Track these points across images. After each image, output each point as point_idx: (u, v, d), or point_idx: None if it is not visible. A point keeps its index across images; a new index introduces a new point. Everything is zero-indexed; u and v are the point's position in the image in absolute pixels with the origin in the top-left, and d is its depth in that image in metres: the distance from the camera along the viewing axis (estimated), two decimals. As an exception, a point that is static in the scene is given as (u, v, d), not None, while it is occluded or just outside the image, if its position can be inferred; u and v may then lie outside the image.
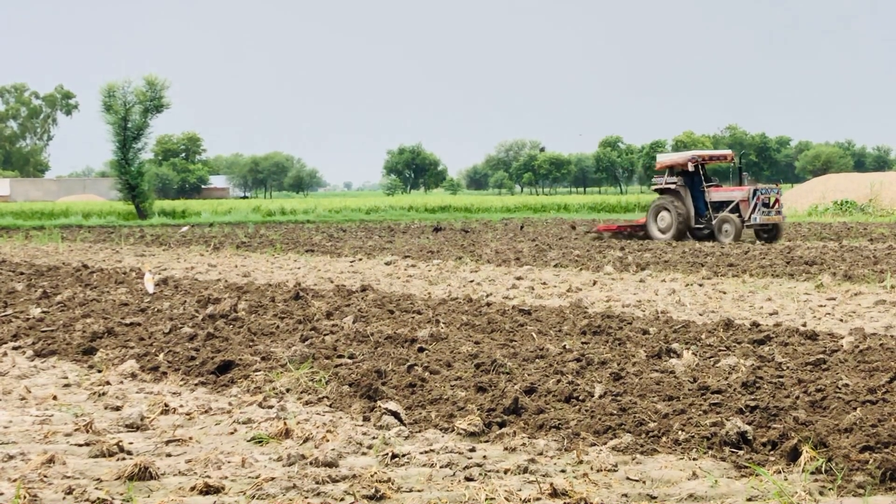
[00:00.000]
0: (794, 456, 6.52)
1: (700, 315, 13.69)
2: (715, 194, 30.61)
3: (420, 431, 7.59)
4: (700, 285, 17.41)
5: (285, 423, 7.62)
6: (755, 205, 29.30)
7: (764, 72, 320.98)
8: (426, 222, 49.84)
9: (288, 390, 8.96)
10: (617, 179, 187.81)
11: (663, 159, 32.49)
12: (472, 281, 18.87)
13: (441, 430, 7.61)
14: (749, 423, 7.15)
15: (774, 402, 7.72)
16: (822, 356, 9.63)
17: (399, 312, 13.64)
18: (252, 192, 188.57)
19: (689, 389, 8.34)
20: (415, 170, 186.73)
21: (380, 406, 7.98)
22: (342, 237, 35.22)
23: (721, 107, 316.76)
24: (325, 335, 11.51)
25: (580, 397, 8.20)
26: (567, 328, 12.00)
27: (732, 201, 29.96)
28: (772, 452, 6.70)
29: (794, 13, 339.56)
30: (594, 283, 18.10)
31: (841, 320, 13.03)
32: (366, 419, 7.94)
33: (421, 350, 10.58)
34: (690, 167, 30.82)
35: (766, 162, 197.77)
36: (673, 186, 30.92)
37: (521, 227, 40.63)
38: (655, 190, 32.19)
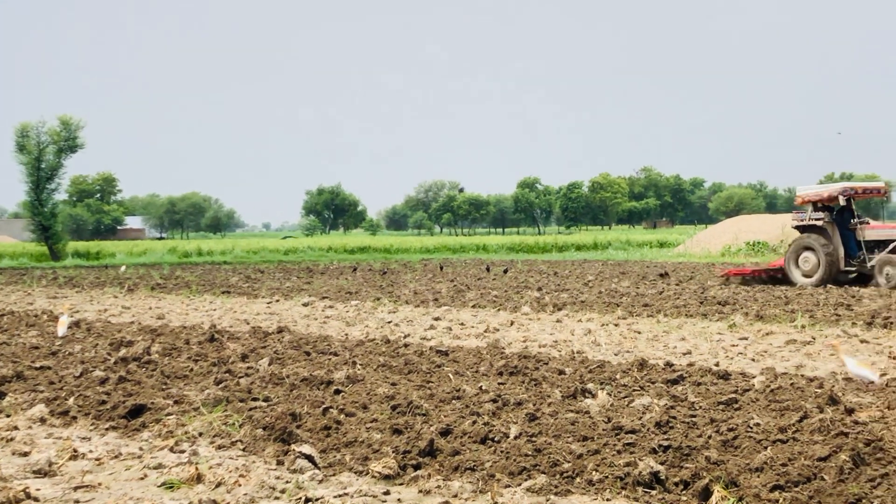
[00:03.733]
0: (705, 495, 6.58)
1: (615, 355, 13.79)
2: (871, 232, 26.22)
3: (335, 475, 7.53)
4: (616, 325, 17.54)
5: (197, 468, 7.51)
6: None
7: (678, 114, 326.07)
8: (345, 263, 49.71)
9: (200, 434, 8.84)
10: (535, 220, 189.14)
11: (806, 193, 27.54)
12: (390, 322, 18.83)
13: (356, 473, 7.55)
14: (662, 464, 7.20)
15: (687, 441, 7.79)
16: (734, 396, 9.74)
17: (316, 354, 13.57)
18: (168, 233, 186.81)
19: (603, 430, 8.38)
20: (334, 210, 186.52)
21: (294, 449, 7.90)
22: (259, 278, 34.96)
23: (637, 149, 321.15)
24: (239, 378, 11.40)
25: (496, 438, 8.20)
26: (484, 369, 12.02)
27: (894, 240, 25.73)
28: (684, 492, 6.75)
29: (707, 57, 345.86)
30: (511, 323, 18.15)
31: (753, 360, 13.20)
32: (279, 463, 7.86)
33: (337, 392, 10.52)
34: (842, 201, 26.48)
35: (681, 203, 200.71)
36: (820, 223, 26.76)
37: (441, 268, 40.70)
38: (797, 227, 27.62)
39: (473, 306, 21.66)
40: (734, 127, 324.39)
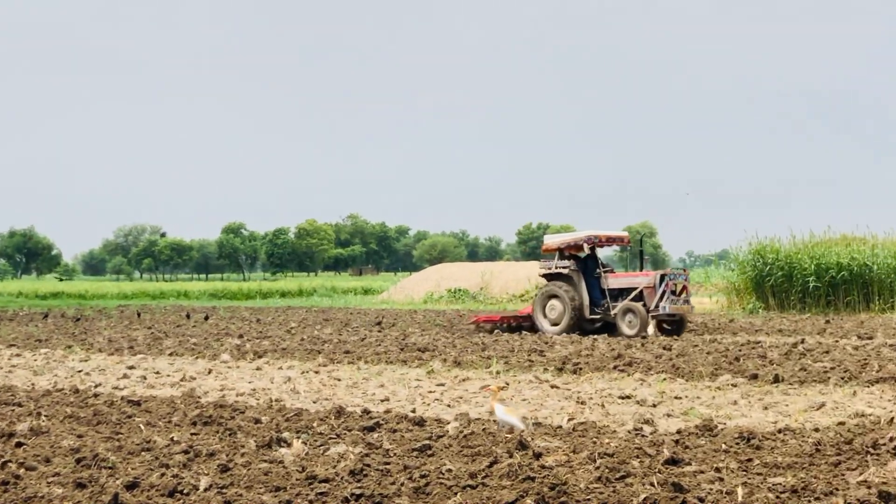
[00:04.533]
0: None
1: (314, 403, 13.71)
2: (614, 280, 26.54)
3: (9, 534, 7.09)
4: (316, 372, 17.47)
5: None
6: (663, 292, 25.49)
7: (384, 161, 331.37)
8: (36, 309, 47.55)
9: None
10: (240, 266, 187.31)
11: (552, 241, 27.63)
12: (80, 371, 18.09)
13: (32, 532, 7.13)
14: (353, 512, 7.16)
15: (380, 489, 7.79)
16: (428, 442, 9.84)
17: (-3, 405, 12.83)
18: None
19: (297, 479, 8.27)
20: (27, 254, 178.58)
21: (-36, 508, 7.40)
22: (-58, 325, 32.92)
23: (343, 195, 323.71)
24: None
25: (185, 491, 7.94)
26: (177, 419, 11.69)
27: (636, 288, 25.98)
28: (374, 541, 6.72)
29: (411, 107, 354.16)
30: (209, 371, 17.79)
31: (448, 406, 13.42)
32: (-52, 523, 7.33)
33: (18, 445, 9.96)
34: (587, 249, 26.95)
35: (387, 250, 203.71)
36: (566, 271, 26.79)
37: (138, 315, 39.53)
38: (544, 276, 27.62)
39: (171, 354, 21.12)
40: (437, 176, 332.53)
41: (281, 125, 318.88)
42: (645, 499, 7.22)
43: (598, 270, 26.71)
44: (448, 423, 11.24)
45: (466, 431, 10.45)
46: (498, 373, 16.93)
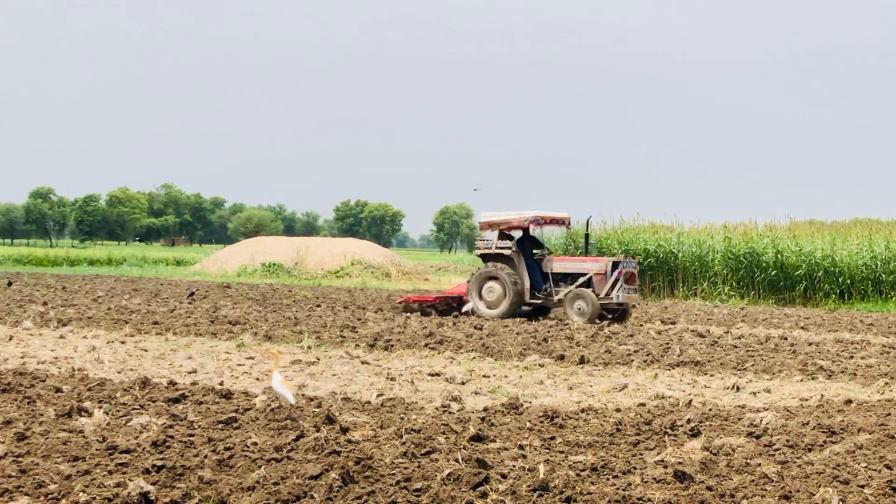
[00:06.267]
0: (195, 516, 6.48)
1: (118, 373, 13.39)
2: (559, 264, 25.03)
3: None
4: (122, 343, 17.07)
5: None
6: (615, 280, 24.18)
7: (201, 131, 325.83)
8: None
9: None
10: (47, 232, 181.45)
11: (490, 218, 25.59)
12: None
13: None
14: (153, 484, 7.01)
15: (182, 461, 7.65)
16: (234, 415, 9.73)
17: None
18: None
19: (96, 449, 8.07)
20: None
21: None
22: None
23: (157, 164, 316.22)
24: None
25: (-23, 460, 7.65)
26: (-28, 386, 11.25)
27: (584, 274, 24.49)
28: (174, 513, 6.61)
29: (235, 77, 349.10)
30: (10, 338, 17.18)
31: (257, 379, 13.29)
32: None
33: None
34: (532, 230, 25.60)
35: (201, 222, 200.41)
36: (508, 252, 24.98)
37: (-64, 278, 37.90)
38: (481, 256, 25.64)
39: (-31, 319, 20.31)
40: (255, 149, 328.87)
41: (96, 87, 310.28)
42: (449, 474, 7.29)
43: (540, 252, 25.49)
44: (256, 397, 11.14)
45: (274, 405, 10.37)
46: (309, 347, 16.85)
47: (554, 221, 25.90)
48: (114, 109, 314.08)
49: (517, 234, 25.69)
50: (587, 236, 27.60)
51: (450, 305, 26.03)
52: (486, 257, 25.44)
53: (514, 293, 24.48)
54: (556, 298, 24.63)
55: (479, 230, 26.34)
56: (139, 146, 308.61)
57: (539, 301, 24.90)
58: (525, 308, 25.22)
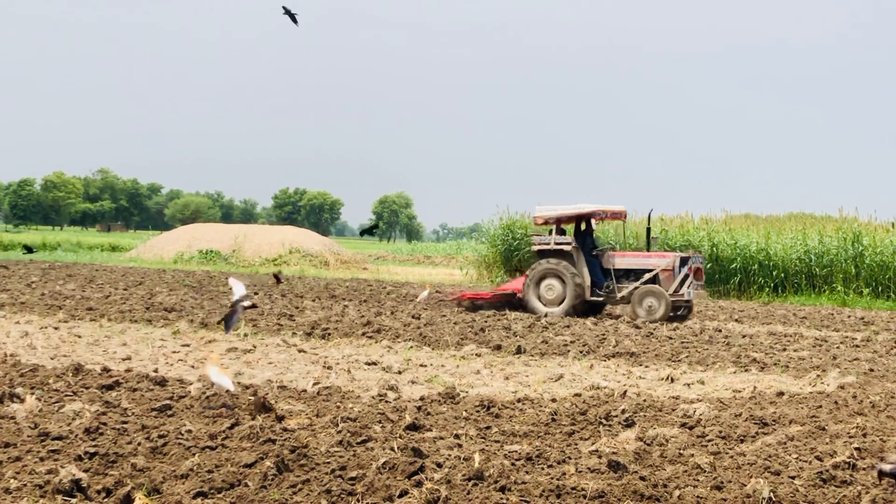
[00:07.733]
0: (127, 502, 6.42)
1: (51, 359, 13.24)
2: (621, 260, 23.86)
3: None
4: (56, 328, 16.87)
5: None
6: (685, 276, 23.15)
7: (140, 116, 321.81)
8: None
9: None
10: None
11: (546, 212, 24.39)
12: None
13: None
14: (85, 471, 6.95)
15: (115, 448, 7.59)
16: (168, 402, 9.65)
17: None
18: None
19: (28, 436, 7.99)
20: None
21: None
22: None
23: (94, 149, 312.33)
24: None
25: None
26: None
27: (651, 270, 23.35)
28: (106, 500, 6.55)
29: (167, 67, 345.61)
30: (-60, 323, 16.93)
31: (193, 366, 13.19)
32: None
33: None
34: (594, 224, 24.56)
35: (138, 208, 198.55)
36: (568, 248, 23.75)
37: None
38: (538, 252, 24.37)
39: None
40: (193, 135, 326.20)
41: (32, 69, 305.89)
42: (384, 463, 7.29)
43: (601, 247, 24.72)
44: (191, 384, 11.06)
45: (209, 393, 10.30)
46: (246, 335, 16.76)
47: (615, 215, 24.98)
48: (50, 92, 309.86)
49: (569, 228, 24.90)
50: (648, 230, 26.08)
51: (509, 302, 24.69)
52: (542, 253, 24.27)
53: (575, 291, 23.41)
54: (618, 296, 23.55)
55: (536, 224, 25.14)
56: (75, 130, 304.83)
57: (601, 298, 23.77)
58: (584, 305, 23.89)
